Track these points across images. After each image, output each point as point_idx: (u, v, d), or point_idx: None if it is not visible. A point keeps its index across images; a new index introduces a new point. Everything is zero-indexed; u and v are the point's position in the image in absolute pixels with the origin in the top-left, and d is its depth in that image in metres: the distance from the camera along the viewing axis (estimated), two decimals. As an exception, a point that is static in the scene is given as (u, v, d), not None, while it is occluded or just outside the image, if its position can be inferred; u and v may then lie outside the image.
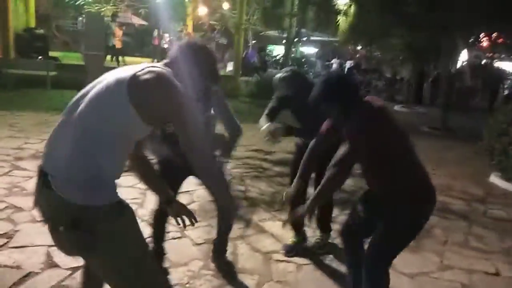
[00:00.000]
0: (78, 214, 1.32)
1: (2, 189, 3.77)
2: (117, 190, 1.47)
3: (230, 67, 14.91)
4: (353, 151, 2.01)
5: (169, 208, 1.83)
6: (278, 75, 3.01)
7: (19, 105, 7.67)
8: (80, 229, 1.31)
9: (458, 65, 15.84)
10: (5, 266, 2.58)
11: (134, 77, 1.42)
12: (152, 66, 1.49)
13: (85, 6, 8.68)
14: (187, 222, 1.79)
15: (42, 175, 1.41)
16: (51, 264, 2.64)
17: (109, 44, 12.99)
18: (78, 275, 2.14)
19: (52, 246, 2.75)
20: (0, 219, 3.19)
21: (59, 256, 2.67)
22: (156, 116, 1.47)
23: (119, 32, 13.51)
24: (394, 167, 2.01)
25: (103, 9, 8.49)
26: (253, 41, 18.04)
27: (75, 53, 14.74)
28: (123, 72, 1.47)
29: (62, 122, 1.45)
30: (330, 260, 3.05)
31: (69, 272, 2.54)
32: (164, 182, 1.86)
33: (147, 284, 1.50)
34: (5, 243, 2.84)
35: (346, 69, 19.94)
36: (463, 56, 16.99)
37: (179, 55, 1.62)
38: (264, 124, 2.93)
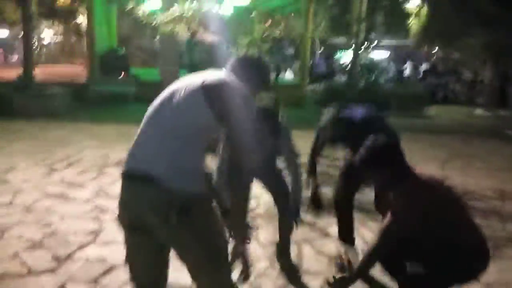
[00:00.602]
0: (180, 200, 1.47)
1: (91, 192, 4.20)
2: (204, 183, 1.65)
3: (290, 74, 15.03)
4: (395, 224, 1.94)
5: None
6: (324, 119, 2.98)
7: (104, 118, 8.44)
8: (188, 214, 1.47)
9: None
10: (92, 259, 2.89)
11: (206, 81, 1.62)
12: (216, 73, 1.72)
13: (160, 26, 9.34)
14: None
15: (136, 174, 1.54)
16: (131, 259, 2.90)
17: (191, 60, 13.85)
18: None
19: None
20: (89, 219, 3.57)
21: None
22: (222, 114, 1.60)
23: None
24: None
25: (175, 29, 9.07)
26: (321, 49, 17.98)
27: (154, 68, 15.83)
28: (194, 78, 1.68)
29: (146, 128, 1.63)
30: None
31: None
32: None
33: (228, 271, 1.67)
34: (93, 239, 3.19)
35: (421, 72, 19.10)
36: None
37: (237, 65, 1.81)
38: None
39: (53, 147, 6.08)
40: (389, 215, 1.98)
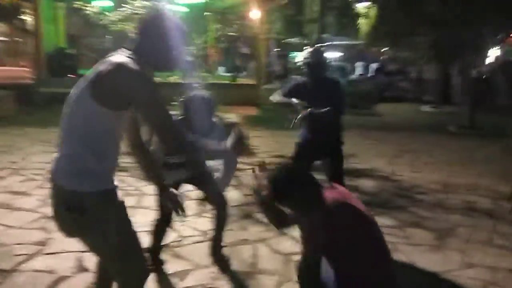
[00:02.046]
0: (70, 198, 1.55)
1: (36, 201, 4.01)
2: (108, 180, 1.63)
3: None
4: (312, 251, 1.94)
5: (161, 196, 1.98)
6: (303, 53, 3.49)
7: (52, 122, 8.00)
8: (73, 211, 1.54)
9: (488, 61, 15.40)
10: (40, 270, 2.76)
11: (96, 73, 1.55)
12: (114, 57, 1.57)
13: (111, 25, 9.07)
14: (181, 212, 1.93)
15: (50, 179, 1.63)
16: (81, 268, 2.81)
17: None
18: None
19: (83, 251, 2.92)
20: (35, 228, 3.41)
21: (89, 261, 2.83)
22: (116, 101, 1.54)
23: None
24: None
25: (126, 27, 8.84)
26: (276, 49, 18.18)
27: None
28: (93, 69, 1.59)
29: (60, 130, 1.65)
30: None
31: (98, 275, 2.69)
32: (160, 170, 2.06)
33: (130, 268, 1.68)
34: (39, 250, 3.04)
35: (371, 71, 19.77)
36: (493, 53, 16.49)
37: (139, 36, 1.65)
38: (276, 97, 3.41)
39: (-5, 154, 5.75)
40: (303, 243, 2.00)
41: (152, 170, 1.98)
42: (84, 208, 1.53)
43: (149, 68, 1.63)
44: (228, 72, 14.78)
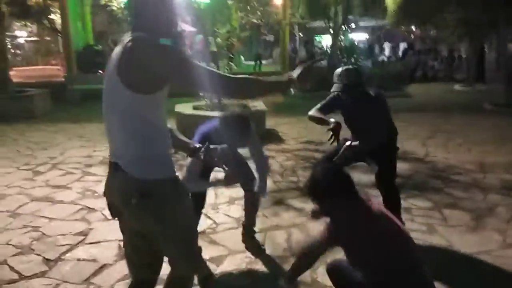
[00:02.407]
0: (143, 187, 1.53)
1: (76, 193, 4.18)
2: (172, 167, 1.62)
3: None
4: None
5: (195, 155, 2.18)
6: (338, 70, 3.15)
7: (86, 117, 8.32)
8: (148, 199, 1.54)
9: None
10: (83, 259, 2.88)
11: (119, 58, 1.50)
12: (124, 41, 1.53)
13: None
14: None
15: (112, 163, 1.63)
16: (123, 256, 2.91)
17: None
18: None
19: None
20: (76, 220, 3.55)
21: None
22: (152, 82, 1.50)
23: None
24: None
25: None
26: (300, 34, 17.98)
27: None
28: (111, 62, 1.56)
29: (106, 118, 1.64)
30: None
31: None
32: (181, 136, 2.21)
33: (198, 251, 1.74)
34: (82, 240, 3.17)
35: (400, 51, 19.26)
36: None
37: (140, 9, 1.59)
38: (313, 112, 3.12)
39: (35, 150, 6.00)
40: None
41: (174, 139, 2.02)
42: (158, 195, 1.55)
43: (156, 38, 1.57)
44: (252, 60, 14.75)
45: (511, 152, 5.39)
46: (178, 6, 1.65)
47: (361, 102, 3.01)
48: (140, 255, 1.75)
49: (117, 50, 1.54)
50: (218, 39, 8.88)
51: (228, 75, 1.60)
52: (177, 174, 1.65)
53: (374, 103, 3.05)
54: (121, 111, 1.54)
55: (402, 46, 19.83)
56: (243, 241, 2.98)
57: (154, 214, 1.56)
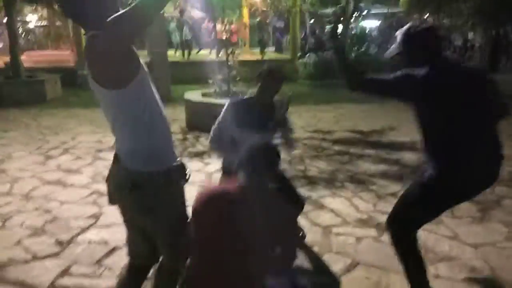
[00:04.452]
0: (135, 178, 1.60)
1: (88, 178, 4.26)
2: (166, 159, 1.65)
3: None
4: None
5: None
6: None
7: (97, 102, 8.34)
8: (139, 190, 1.60)
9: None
10: (94, 242, 2.97)
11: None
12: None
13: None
14: None
15: (115, 154, 1.72)
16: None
17: (183, 38, 13.72)
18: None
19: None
20: (88, 203, 3.64)
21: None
22: (114, 73, 1.48)
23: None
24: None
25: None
26: (311, 22, 17.78)
27: (141, 50, 15.64)
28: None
29: (104, 113, 1.68)
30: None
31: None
32: None
33: (187, 244, 1.75)
34: (93, 223, 3.26)
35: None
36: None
37: None
38: None
39: (47, 135, 6.10)
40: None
41: None
42: (149, 186, 1.59)
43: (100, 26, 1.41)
44: (257, 47, 14.65)
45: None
46: None
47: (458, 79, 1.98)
48: (135, 243, 1.83)
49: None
50: (227, 25, 8.84)
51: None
52: (174, 164, 1.67)
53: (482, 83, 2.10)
54: (110, 108, 1.60)
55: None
56: None
57: (144, 205, 1.62)
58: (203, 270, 1.73)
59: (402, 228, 2.14)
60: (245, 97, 2.70)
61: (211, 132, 2.63)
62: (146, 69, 1.58)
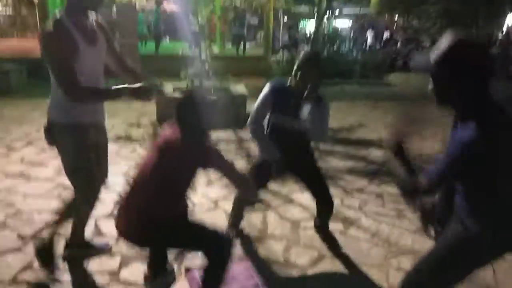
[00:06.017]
0: (55, 126, 2.34)
1: (53, 171, 4.14)
2: (74, 115, 2.28)
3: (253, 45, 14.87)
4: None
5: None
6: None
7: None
8: (56, 134, 2.36)
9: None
10: (59, 236, 2.88)
11: None
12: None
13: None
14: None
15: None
16: (99, 233, 2.94)
17: (157, 30, 13.47)
18: (121, 242, 2.38)
19: (99, 218, 3.05)
20: (52, 197, 3.54)
21: (106, 227, 2.97)
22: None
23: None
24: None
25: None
26: (285, 19, 17.90)
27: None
28: None
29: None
30: (357, 226, 3.18)
31: (114, 239, 2.81)
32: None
33: (82, 185, 2.39)
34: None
35: (382, 41, 19.42)
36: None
37: None
38: None
39: (10, 126, 5.88)
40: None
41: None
42: (56, 131, 2.32)
43: (80, 13, 2.20)
44: (232, 43, 14.59)
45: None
46: None
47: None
48: None
49: None
50: (200, 19, 8.77)
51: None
52: (80, 121, 2.28)
53: None
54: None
55: (385, 35, 20.01)
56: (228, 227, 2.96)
57: (58, 146, 2.36)
58: (124, 199, 2.08)
59: None
60: (284, 82, 2.66)
61: (250, 115, 2.66)
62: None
